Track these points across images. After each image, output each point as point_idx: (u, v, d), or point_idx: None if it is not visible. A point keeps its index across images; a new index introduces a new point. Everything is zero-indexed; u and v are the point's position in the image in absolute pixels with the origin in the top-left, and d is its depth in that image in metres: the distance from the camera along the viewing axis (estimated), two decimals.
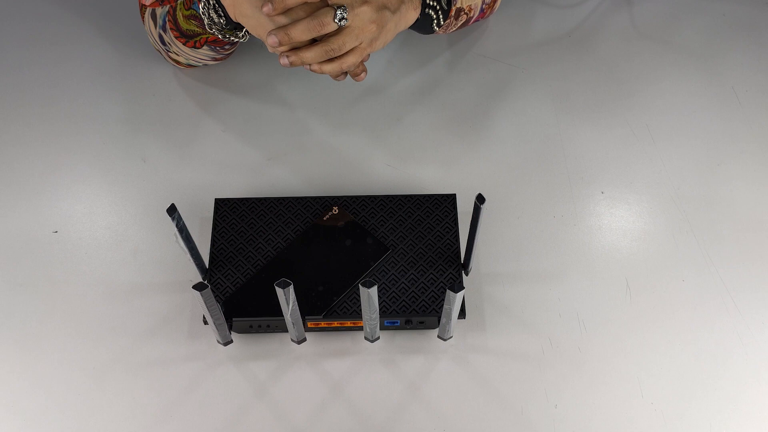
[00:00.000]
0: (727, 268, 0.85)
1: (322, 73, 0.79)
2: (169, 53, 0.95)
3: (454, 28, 0.95)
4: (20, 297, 0.83)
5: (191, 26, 0.87)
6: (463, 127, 0.97)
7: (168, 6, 0.89)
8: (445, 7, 0.87)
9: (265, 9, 0.74)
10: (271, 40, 0.75)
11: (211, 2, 0.81)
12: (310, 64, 0.78)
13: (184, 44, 0.90)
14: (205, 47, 0.91)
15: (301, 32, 0.75)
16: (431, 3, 0.84)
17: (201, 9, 0.82)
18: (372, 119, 0.98)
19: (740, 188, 0.92)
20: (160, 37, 0.93)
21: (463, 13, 0.91)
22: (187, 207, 0.88)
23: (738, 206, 0.90)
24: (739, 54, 1.05)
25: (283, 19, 0.76)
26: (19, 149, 0.95)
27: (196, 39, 0.89)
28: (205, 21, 0.83)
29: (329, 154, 0.95)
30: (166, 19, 0.89)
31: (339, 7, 0.75)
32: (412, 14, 0.81)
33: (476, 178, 0.92)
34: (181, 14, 0.87)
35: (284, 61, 0.77)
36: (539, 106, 0.99)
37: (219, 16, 0.82)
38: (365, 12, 0.76)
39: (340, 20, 0.75)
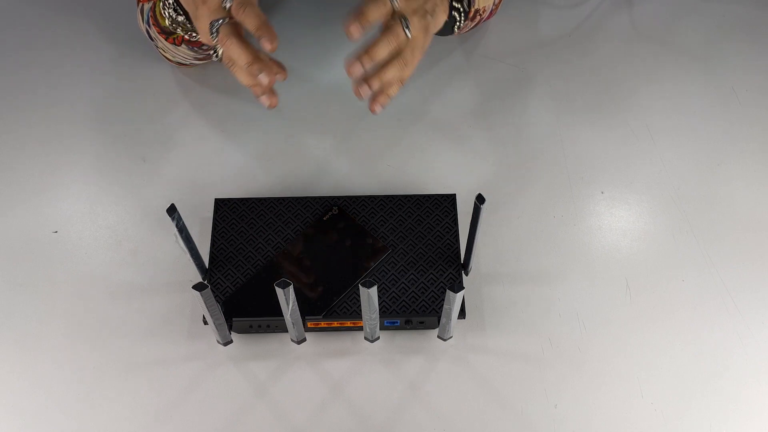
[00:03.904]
0: (727, 268, 0.85)
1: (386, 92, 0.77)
2: (158, 48, 0.95)
3: (467, 30, 0.96)
4: (20, 297, 0.83)
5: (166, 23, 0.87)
6: (463, 127, 0.97)
7: (152, 2, 0.89)
8: (467, 9, 0.87)
9: (353, 30, 0.71)
10: (355, 69, 0.72)
11: (170, 1, 0.80)
12: (385, 86, 0.76)
13: (165, 40, 0.90)
14: (183, 46, 0.91)
15: (382, 50, 0.73)
16: (456, 5, 0.84)
17: (160, 7, 0.82)
18: (372, 119, 0.98)
19: (740, 188, 0.92)
20: (147, 32, 0.93)
21: (478, 14, 0.92)
22: (187, 207, 0.88)
23: (738, 206, 0.90)
24: (739, 54, 1.05)
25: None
26: (19, 149, 0.95)
27: (174, 36, 0.89)
28: (167, 21, 0.83)
29: (329, 154, 0.95)
30: (149, 14, 0.89)
31: (403, 18, 0.74)
32: (442, 17, 0.81)
33: (476, 178, 0.92)
34: (159, 10, 0.87)
35: (378, 108, 0.75)
36: (539, 106, 0.99)
37: (179, 13, 0.81)
38: (417, 21, 0.75)
39: (406, 30, 0.74)
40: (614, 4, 1.10)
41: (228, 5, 0.73)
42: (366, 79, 0.75)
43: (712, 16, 1.09)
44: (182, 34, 0.84)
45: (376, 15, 0.73)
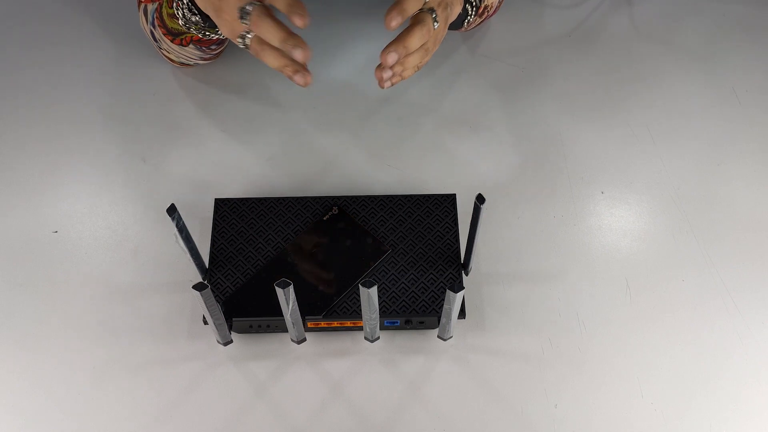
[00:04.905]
0: (727, 268, 0.85)
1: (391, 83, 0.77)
2: (162, 50, 0.96)
3: (474, 26, 0.96)
4: (20, 297, 0.83)
5: (175, 24, 0.87)
6: (463, 127, 0.97)
7: (157, 3, 0.89)
8: (478, 3, 0.88)
9: (394, 24, 0.72)
10: (391, 59, 0.73)
11: (184, 2, 0.81)
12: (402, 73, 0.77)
13: (171, 41, 0.91)
14: (191, 46, 0.91)
15: (416, 41, 0.75)
16: None
17: (174, 8, 0.82)
18: (372, 119, 0.98)
19: (740, 188, 0.92)
20: (152, 33, 0.93)
21: (486, 10, 0.93)
22: (187, 207, 0.88)
23: (738, 206, 0.90)
24: (739, 54, 1.05)
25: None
26: (19, 149, 0.95)
27: (181, 37, 0.89)
28: (181, 22, 0.83)
29: (329, 154, 0.95)
30: (155, 15, 0.90)
31: (431, 10, 0.75)
32: (458, 8, 0.82)
33: (476, 178, 0.92)
34: (165, 12, 0.87)
35: (387, 84, 0.75)
36: (539, 106, 0.99)
37: (193, 13, 0.82)
38: (441, 12, 0.77)
39: (434, 22, 0.76)
40: (614, 4, 1.10)
41: None
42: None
43: (712, 16, 1.09)
44: (196, 33, 0.85)
45: (414, 7, 0.74)
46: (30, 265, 0.86)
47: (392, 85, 0.76)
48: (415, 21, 0.75)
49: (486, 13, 0.95)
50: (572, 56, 1.04)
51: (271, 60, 0.74)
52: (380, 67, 0.75)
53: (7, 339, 0.81)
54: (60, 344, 0.80)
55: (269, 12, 0.73)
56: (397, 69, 0.76)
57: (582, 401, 0.77)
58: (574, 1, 1.11)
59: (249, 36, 0.74)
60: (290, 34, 0.72)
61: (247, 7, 0.72)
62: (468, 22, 0.91)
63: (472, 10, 0.88)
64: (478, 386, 0.78)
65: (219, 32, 0.86)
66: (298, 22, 0.71)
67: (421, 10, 0.76)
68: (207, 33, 0.85)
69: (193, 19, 0.83)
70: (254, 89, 1.01)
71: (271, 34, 0.72)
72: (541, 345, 0.80)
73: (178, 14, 0.83)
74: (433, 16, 0.75)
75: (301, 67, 0.74)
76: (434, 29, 0.76)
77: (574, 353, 0.80)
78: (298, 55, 0.72)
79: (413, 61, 0.76)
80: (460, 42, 1.06)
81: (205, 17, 0.82)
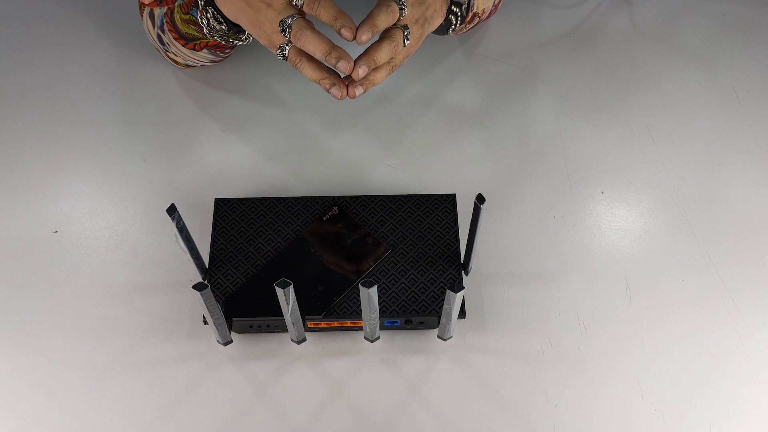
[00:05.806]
0: (727, 268, 0.85)
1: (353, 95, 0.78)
2: (168, 53, 0.95)
3: (464, 31, 0.96)
4: (20, 297, 0.83)
5: (190, 30, 0.87)
6: (463, 127, 0.97)
7: (166, 7, 0.89)
8: (464, 13, 0.88)
9: (365, 38, 0.72)
10: (362, 71, 0.74)
11: (209, 11, 0.81)
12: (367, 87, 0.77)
13: (183, 45, 0.91)
14: (204, 50, 0.91)
15: (385, 56, 0.75)
16: (454, 9, 0.85)
17: (198, 17, 0.82)
18: (372, 119, 0.98)
19: (740, 188, 0.92)
20: (159, 37, 0.93)
21: (476, 17, 0.93)
22: (187, 207, 0.88)
23: (738, 206, 0.90)
24: (739, 54, 1.05)
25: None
26: (19, 150, 0.95)
27: (196, 42, 0.89)
28: (205, 30, 0.83)
29: (329, 154, 0.95)
30: (164, 20, 0.90)
31: (405, 27, 0.76)
32: (438, 21, 0.82)
33: (476, 178, 0.92)
34: (179, 17, 0.87)
35: (359, 91, 0.75)
36: (539, 106, 0.99)
37: (219, 22, 0.82)
38: (416, 31, 0.78)
39: (405, 40, 0.76)
40: (614, 4, 1.10)
41: (300, 3, 0.73)
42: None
43: (712, 16, 1.09)
44: (219, 40, 0.85)
45: (385, 23, 0.74)
46: (30, 265, 0.86)
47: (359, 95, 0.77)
48: (385, 36, 0.75)
49: (477, 19, 0.94)
50: (572, 56, 1.04)
51: (309, 72, 0.75)
52: (350, 79, 0.75)
53: (7, 339, 0.81)
54: (60, 344, 0.80)
55: (310, 24, 0.74)
56: (366, 84, 0.76)
57: (582, 401, 0.77)
58: (574, 1, 1.11)
59: (287, 47, 0.74)
60: (333, 46, 0.73)
61: (288, 20, 0.73)
62: (453, 30, 0.91)
63: (456, 20, 0.88)
64: (478, 386, 0.78)
65: (243, 38, 0.86)
66: (346, 34, 0.72)
67: (394, 25, 0.75)
68: (231, 39, 0.85)
69: (218, 27, 0.83)
70: (254, 89, 1.01)
71: (314, 46, 0.73)
72: (541, 345, 0.80)
73: (202, 22, 0.83)
74: (405, 33, 0.75)
75: (339, 80, 0.75)
76: (404, 46, 0.76)
77: (574, 353, 0.80)
78: (343, 66, 0.72)
79: (380, 76, 0.77)
80: (459, 42, 1.06)
81: (231, 25, 0.82)
